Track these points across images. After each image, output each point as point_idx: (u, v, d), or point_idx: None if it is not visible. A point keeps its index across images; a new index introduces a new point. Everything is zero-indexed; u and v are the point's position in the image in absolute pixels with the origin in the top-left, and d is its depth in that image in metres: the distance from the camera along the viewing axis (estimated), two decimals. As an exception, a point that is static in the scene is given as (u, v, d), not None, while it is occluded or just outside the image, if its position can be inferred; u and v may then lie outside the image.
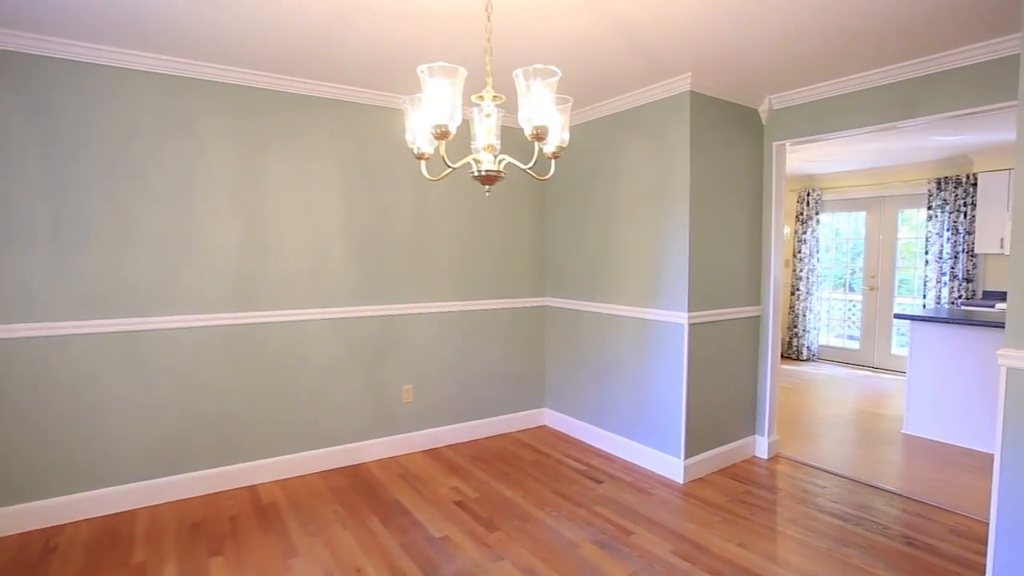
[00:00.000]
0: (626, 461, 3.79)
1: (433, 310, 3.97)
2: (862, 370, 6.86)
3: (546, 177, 2.06)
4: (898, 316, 4.38)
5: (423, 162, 1.85)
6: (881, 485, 3.41)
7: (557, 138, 1.77)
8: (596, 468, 3.68)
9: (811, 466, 3.71)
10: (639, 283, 3.69)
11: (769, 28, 2.57)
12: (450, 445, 4.09)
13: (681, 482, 3.43)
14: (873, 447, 4.12)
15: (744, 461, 3.79)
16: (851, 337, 7.25)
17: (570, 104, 1.80)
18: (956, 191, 6.02)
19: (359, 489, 3.36)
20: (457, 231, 4.06)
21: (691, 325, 3.40)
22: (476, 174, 1.77)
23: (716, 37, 2.68)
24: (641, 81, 3.36)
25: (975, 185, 5.88)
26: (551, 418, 4.51)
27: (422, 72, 1.57)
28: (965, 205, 5.97)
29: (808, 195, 7.24)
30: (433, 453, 3.94)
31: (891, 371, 6.73)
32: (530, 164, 1.83)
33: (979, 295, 5.99)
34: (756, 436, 3.90)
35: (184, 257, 3.15)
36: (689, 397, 3.43)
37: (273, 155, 3.38)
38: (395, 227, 3.81)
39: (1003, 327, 3.92)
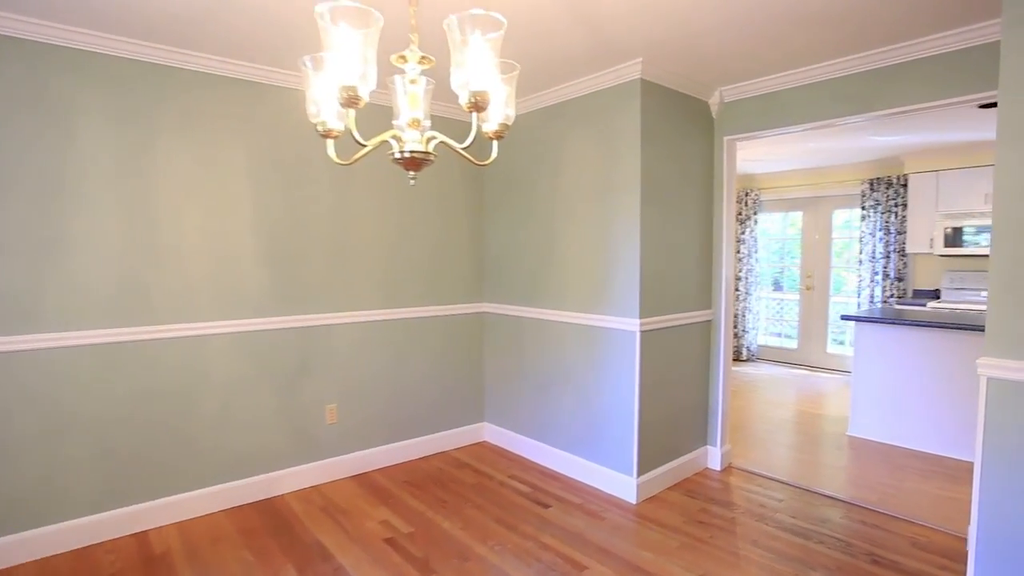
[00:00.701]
0: (574, 480, 3.49)
1: (358, 319, 3.54)
2: (800, 369, 6.92)
3: (486, 162, 1.70)
4: (844, 317, 4.32)
5: (330, 142, 1.46)
6: (836, 495, 3.27)
7: (501, 113, 1.43)
8: (542, 490, 3.36)
9: (764, 476, 3.54)
10: (586, 287, 3.41)
11: (723, 7, 2.33)
12: (381, 469, 3.67)
13: (634, 502, 3.17)
14: (821, 452, 4.02)
15: (697, 474, 3.58)
16: (788, 336, 7.31)
17: (516, 73, 1.46)
18: (888, 192, 6.13)
19: (273, 528, 2.90)
20: (385, 230, 3.65)
21: (643, 332, 3.14)
22: (398, 156, 1.40)
23: (669, 18, 2.42)
24: (589, 66, 3.07)
25: (905, 186, 6.00)
26: (492, 433, 4.17)
27: (322, 16, 1.18)
28: (896, 206, 6.09)
29: (747, 195, 7.25)
30: (361, 479, 3.51)
31: (827, 369, 6.81)
32: (466, 144, 1.47)
33: (909, 294, 6.12)
34: (708, 447, 3.70)
35: (51, 263, 2.59)
36: (641, 410, 3.17)
37: (165, 142, 2.86)
38: (314, 226, 3.36)
39: (945, 327, 3.90)
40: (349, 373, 3.53)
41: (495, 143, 1.53)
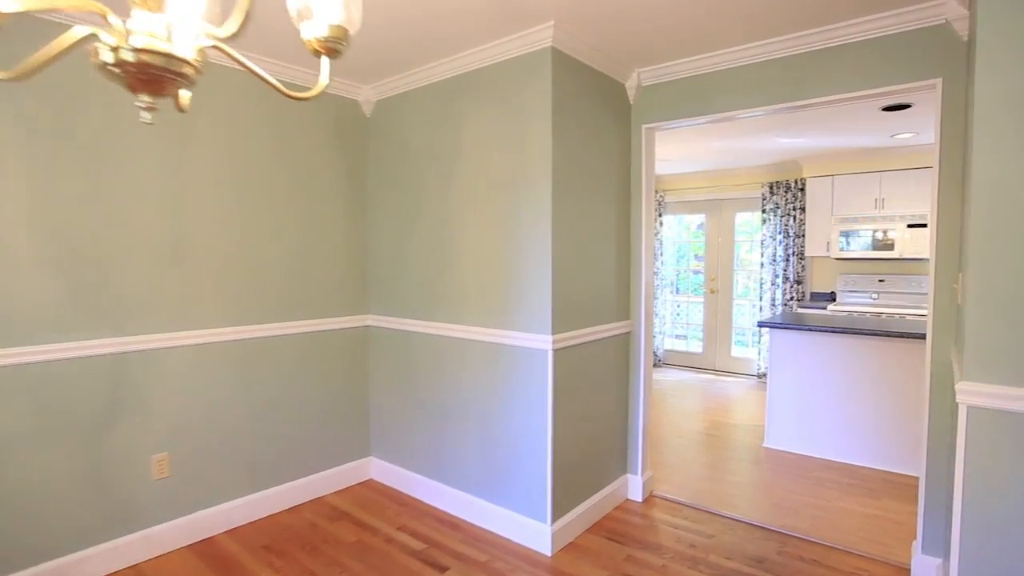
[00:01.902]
0: (478, 529, 2.92)
1: (198, 339, 2.75)
2: (706, 373, 6.82)
3: (307, 95, 1.02)
4: (761, 324, 4.11)
5: None
6: (767, 525, 2.95)
7: (337, 12, 0.83)
8: (439, 544, 2.76)
9: (690, 507, 3.17)
10: (489, 296, 2.85)
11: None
12: (232, 530, 2.89)
13: (549, 554, 2.65)
14: (742, 469, 3.74)
15: (618, 508, 3.14)
16: (694, 339, 7.21)
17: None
18: (787, 195, 6.15)
19: (57, 641, 2.07)
20: (236, 225, 2.88)
21: (557, 351, 2.64)
22: (109, 60, 0.74)
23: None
24: (493, 29, 2.53)
25: (803, 190, 6.04)
26: (380, 471, 3.50)
27: None
28: (795, 209, 6.12)
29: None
30: (203, 548, 2.72)
31: (732, 373, 6.76)
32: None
33: (808, 297, 6.17)
34: (629, 475, 3.28)
35: None
36: (556, 441, 2.67)
37: None
38: (132, 219, 2.54)
39: (859, 334, 3.76)
40: (186, 410, 2.73)
41: (325, 64, 0.92)
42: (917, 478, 3.59)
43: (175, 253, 2.67)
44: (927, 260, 5.68)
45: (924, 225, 5.21)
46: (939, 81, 2.35)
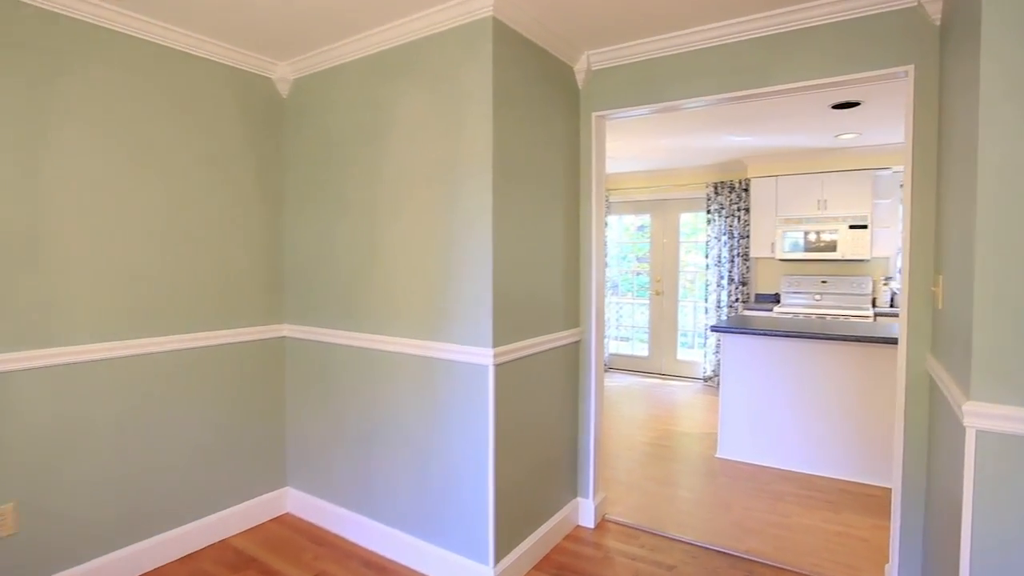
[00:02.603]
0: (410, 572, 2.53)
1: (61, 359, 2.23)
2: (652, 378, 6.66)
3: None
4: (714, 329, 3.91)
5: None
6: (731, 550, 2.71)
7: None
8: (363, 594, 2.36)
9: (646, 532, 2.90)
10: (422, 304, 2.48)
11: None
12: (108, 590, 2.38)
13: (492, 601, 2.30)
14: (696, 484, 3.52)
15: (568, 538, 2.82)
16: (640, 341, 7.05)
17: None
18: (731, 195, 6.07)
19: None
20: (110, 222, 2.38)
21: (499, 366, 2.30)
22: None
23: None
24: (418, -9, 2.16)
25: (747, 190, 5.97)
26: (297, 504, 3.05)
27: None
28: (739, 210, 6.04)
29: (596, 197, 6.86)
30: (67, 617, 2.20)
31: (679, 377, 6.63)
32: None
33: (752, 298, 6.11)
34: (580, 499, 2.97)
35: None
36: (498, 468, 2.32)
37: None
38: (-37, 211, 2.01)
39: (816, 338, 3.62)
40: (43, 446, 2.21)
41: None
42: (874, 487, 3.49)
43: (28, 254, 2.14)
44: (867, 261, 5.77)
45: (865, 227, 5.21)
46: (911, 68, 2.17)
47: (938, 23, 2.11)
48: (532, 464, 2.57)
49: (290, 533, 2.86)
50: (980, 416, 1.41)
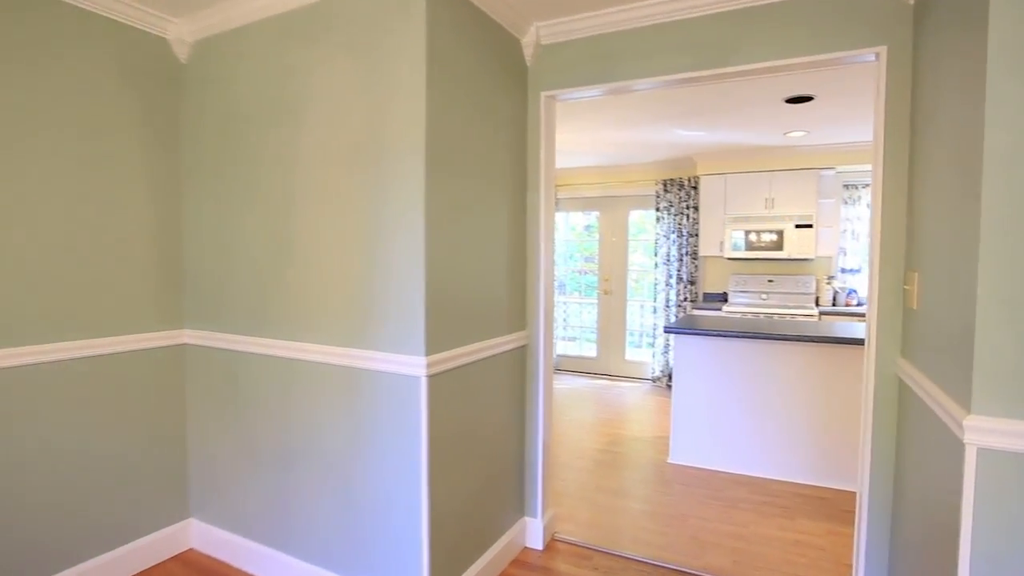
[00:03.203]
0: (331, 615, 2.19)
1: None
2: (601, 379, 6.49)
3: None
4: (668, 330, 3.73)
5: None
6: (688, 568, 2.50)
7: None
8: (274, 647, 2.00)
9: (600, 551, 2.66)
10: (343, 307, 2.14)
11: None
12: (-53, 662, 1.93)
13: (426, 648, 2.00)
14: (650, 495, 3.33)
15: (515, 564, 2.55)
16: (588, 341, 6.88)
17: None
18: (680, 193, 5.96)
19: None
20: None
21: (433, 376, 2.00)
22: None
23: None
24: (337, -64, 1.83)
25: (696, 188, 5.88)
26: (202, 537, 2.64)
27: None
28: (688, 208, 5.94)
29: (544, 193, 6.63)
30: None
31: (628, 378, 6.49)
32: None
33: (700, 298, 6.03)
34: (527, 519, 2.71)
35: None
36: (433, 493, 2.02)
37: None
38: None
39: (769, 339, 3.49)
40: None
41: None
42: (825, 489, 3.39)
43: None
44: (812, 260, 5.78)
45: (810, 226, 5.20)
46: (883, 50, 2.01)
47: (911, 1, 1.96)
48: (473, 485, 2.28)
49: (194, 574, 2.46)
50: (984, 432, 1.23)
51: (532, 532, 2.69)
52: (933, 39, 1.72)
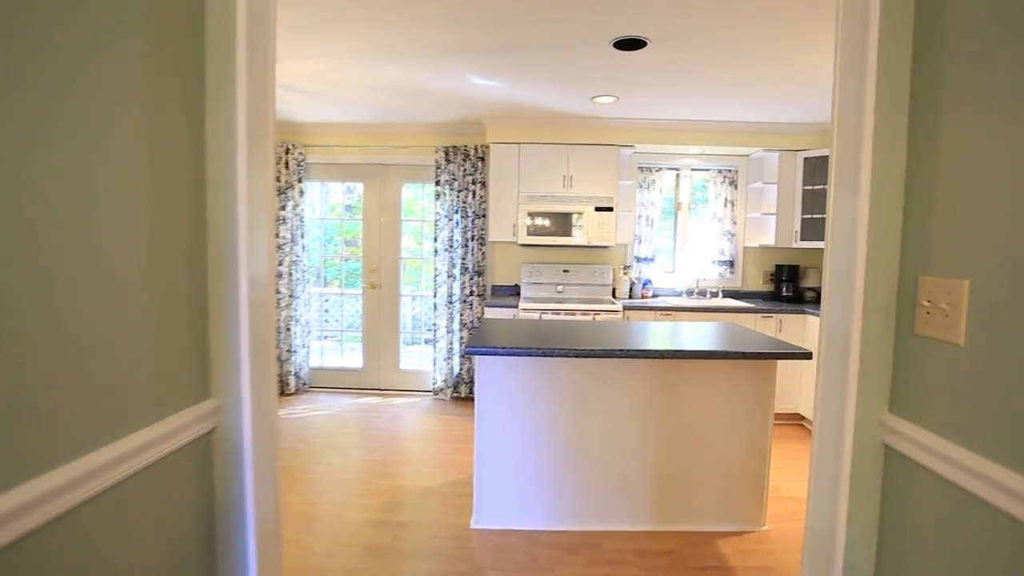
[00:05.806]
0: None
1: None
2: (369, 396, 5.13)
3: None
4: (470, 351, 2.54)
5: None
6: None
7: None
8: None
9: None
10: None
11: None
12: None
13: None
14: (453, 611, 2.16)
15: None
16: (351, 342, 5.43)
17: None
18: (465, 165, 4.88)
19: None
20: None
21: None
22: None
23: None
24: None
25: (484, 159, 4.86)
26: None
27: None
28: (475, 183, 4.90)
29: (287, 153, 4.94)
30: None
31: (402, 392, 5.24)
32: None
33: (489, 291, 5.08)
34: None
35: None
36: None
37: None
38: None
39: (625, 357, 2.58)
40: None
41: None
42: (674, 535, 2.56)
43: None
44: (609, 248, 5.23)
45: (611, 208, 4.58)
46: None
47: None
48: None
49: None
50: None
51: None
52: None
